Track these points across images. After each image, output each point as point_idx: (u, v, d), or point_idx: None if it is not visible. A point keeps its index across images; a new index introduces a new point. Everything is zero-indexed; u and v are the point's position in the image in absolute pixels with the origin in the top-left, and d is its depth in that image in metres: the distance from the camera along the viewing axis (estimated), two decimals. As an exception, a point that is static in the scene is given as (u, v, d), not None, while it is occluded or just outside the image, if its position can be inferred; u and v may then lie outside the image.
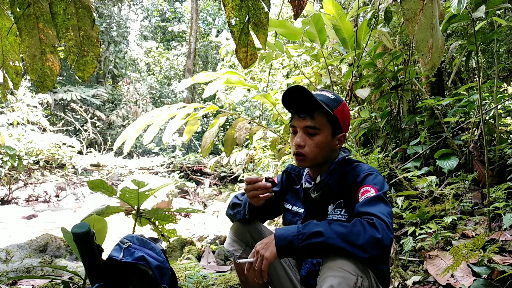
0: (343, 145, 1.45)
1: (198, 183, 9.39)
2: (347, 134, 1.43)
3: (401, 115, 3.82)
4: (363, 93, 3.57)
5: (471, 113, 3.53)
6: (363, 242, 1.06)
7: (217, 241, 3.79)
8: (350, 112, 5.10)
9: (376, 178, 1.29)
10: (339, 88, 4.98)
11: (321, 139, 1.34)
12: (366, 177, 1.29)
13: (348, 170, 1.38)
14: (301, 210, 1.47)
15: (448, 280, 1.80)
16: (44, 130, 9.41)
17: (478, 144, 3.01)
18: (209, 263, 2.87)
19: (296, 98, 1.35)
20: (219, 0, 18.50)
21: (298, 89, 1.32)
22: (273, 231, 1.19)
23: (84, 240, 1.27)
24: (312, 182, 1.44)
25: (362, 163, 1.41)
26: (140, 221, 2.22)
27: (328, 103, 1.34)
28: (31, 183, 8.16)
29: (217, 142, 11.20)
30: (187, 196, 8.30)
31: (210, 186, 9.11)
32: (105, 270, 1.36)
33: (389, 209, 1.19)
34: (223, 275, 2.28)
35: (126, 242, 1.46)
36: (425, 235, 2.21)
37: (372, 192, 1.22)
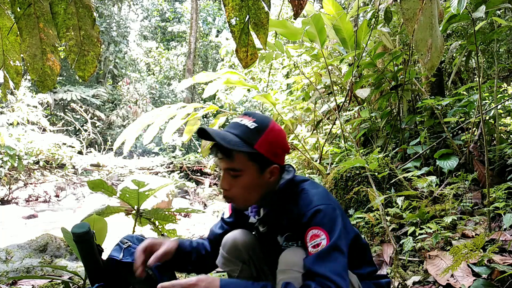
0: (285, 164, 1.27)
1: (198, 183, 9.38)
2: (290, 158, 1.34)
3: (401, 115, 3.82)
4: (363, 93, 3.58)
5: (471, 113, 3.53)
6: None
7: (217, 241, 3.78)
8: (350, 112, 5.06)
9: (326, 216, 1.09)
10: (339, 88, 4.98)
11: (246, 180, 1.17)
12: (313, 215, 1.10)
13: (291, 201, 1.20)
14: None
15: (448, 280, 1.80)
16: (44, 130, 9.40)
17: (478, 144, 3.01)
18: (209, 263, 2.86)
19: (208, 139, 1.16)
20: (219, 0, 18.50)
21: (203, 132, 1.14)
22: (220, 277, 1.14)
23: (84, 240, 1.27)
24: (256, 217, 1.33)
25: (307, 186, 1.21)
26: (140, 221, 2.22)
27: (245, 137, 1.14)
28: (31, 183, 8.15)
29: (217, 142, 11.17)
30: (187, 196, 8.29)
31: (210, 186, 9.11)
32: (105, 270, 1.36)
33: (343, 260, 1.05)
34: (223, 275, 2.28)
35: (126, 242, 1.46)
36: (425, 235, 2.21)
37: (322, 238, 1.06)
